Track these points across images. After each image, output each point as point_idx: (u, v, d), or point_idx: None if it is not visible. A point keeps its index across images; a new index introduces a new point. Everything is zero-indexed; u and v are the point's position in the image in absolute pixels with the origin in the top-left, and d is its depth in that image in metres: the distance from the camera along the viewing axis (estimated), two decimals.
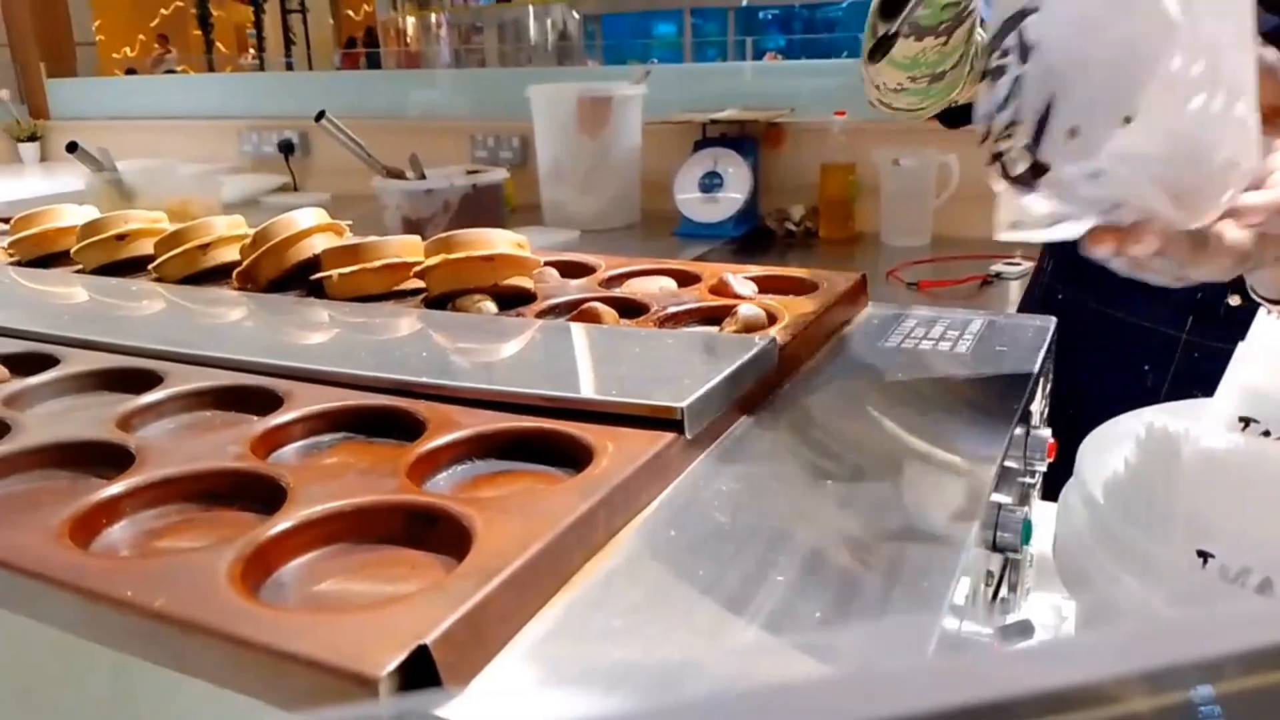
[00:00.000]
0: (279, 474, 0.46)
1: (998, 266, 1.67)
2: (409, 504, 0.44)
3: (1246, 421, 0.55)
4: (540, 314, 0.72)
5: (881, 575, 0.42)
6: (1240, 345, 0.58)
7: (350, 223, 0.86)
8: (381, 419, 0.54)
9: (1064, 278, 1.07)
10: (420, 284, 0.77)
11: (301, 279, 0.81)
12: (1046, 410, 0.72)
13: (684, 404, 0.51)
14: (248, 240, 0.81)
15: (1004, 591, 0.59)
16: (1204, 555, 0.52)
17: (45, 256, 0.93)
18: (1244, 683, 0.19)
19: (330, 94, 3.06)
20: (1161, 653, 0.19)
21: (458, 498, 0.46)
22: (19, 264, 0.93)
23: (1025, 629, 0.59)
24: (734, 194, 2.04)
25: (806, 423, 0.58)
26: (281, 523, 0.42)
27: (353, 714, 0.30)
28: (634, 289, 0.78)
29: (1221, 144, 0.41)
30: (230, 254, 0.84)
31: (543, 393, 0.54)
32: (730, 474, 0.51)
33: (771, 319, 0.67)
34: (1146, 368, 1.01)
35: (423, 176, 2.08)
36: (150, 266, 0.85)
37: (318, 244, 0.81)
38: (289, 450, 0.52)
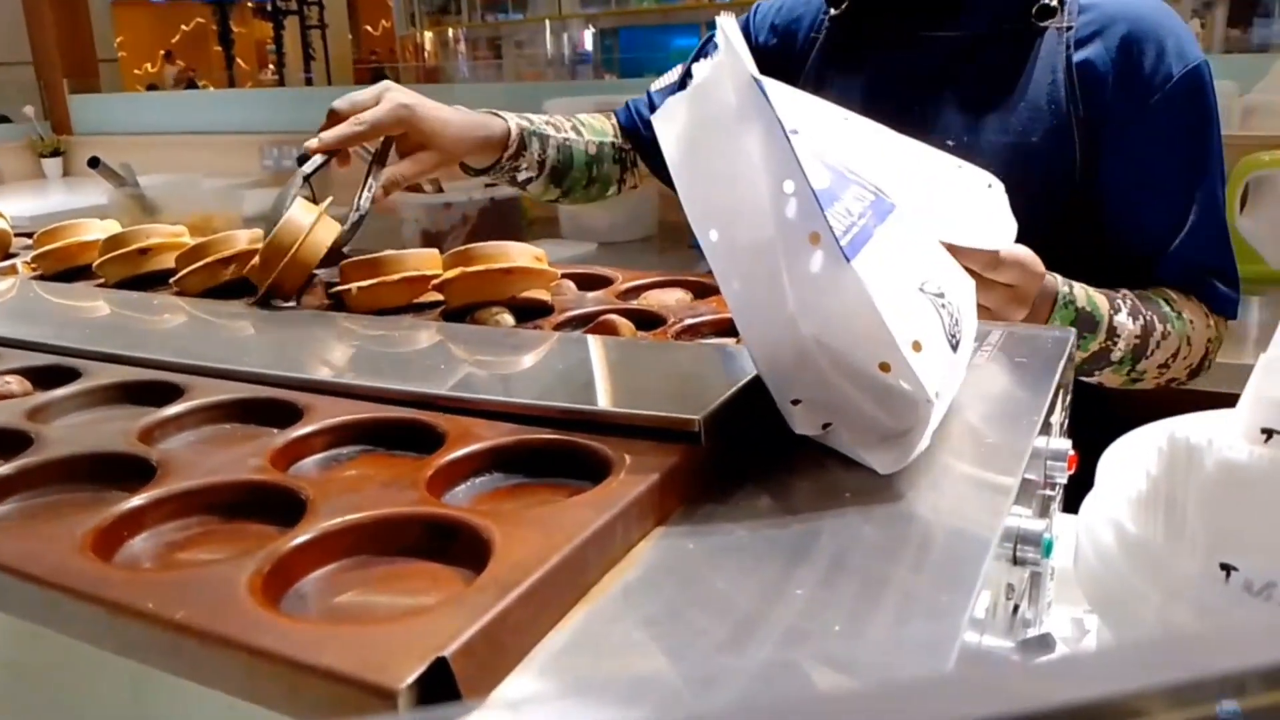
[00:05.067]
0: (299, 486, 0.46)
1: None
2: (428, 516, 0.44)
3: (1269, 433, 0.54)
4: (558, 326, 0.72)
5: (901, 588, 0.42)
6: (1261, 357, 0.57)
7: (330, 199, 0.88)
8: (401, 432, 0.54)
9: None
10: (439, 297, 0.78)
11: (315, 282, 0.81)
12: (1067, 422, 0.72)
13: (701, 416, 0.51)
14: (255, 261, 0.81)
15: (1025, 605, 0.59)
16: (1227, 568, 0.52)
17: (68, 270, 0.94)
18: (1269, 697, 0.19)
19: None
20: (1185, 667, 0.19)
21: (477, 510, 0.46)
22: (42, 278, 0.94)
23: (1046, 643, 0.58)
24: None
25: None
26: (301, 535, 0.42)
27: None
28: (651, 301, 0.79)
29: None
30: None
31: (561, 405, 0.54)
32: (748, 486, 0.51)
33: None
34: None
35: (441, 190, 2.09)
36: (172, 280, 0.86)
37: (323, 237, 0.81)
38: (309, 463, 0.52)
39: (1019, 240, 0.82)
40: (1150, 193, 1.00)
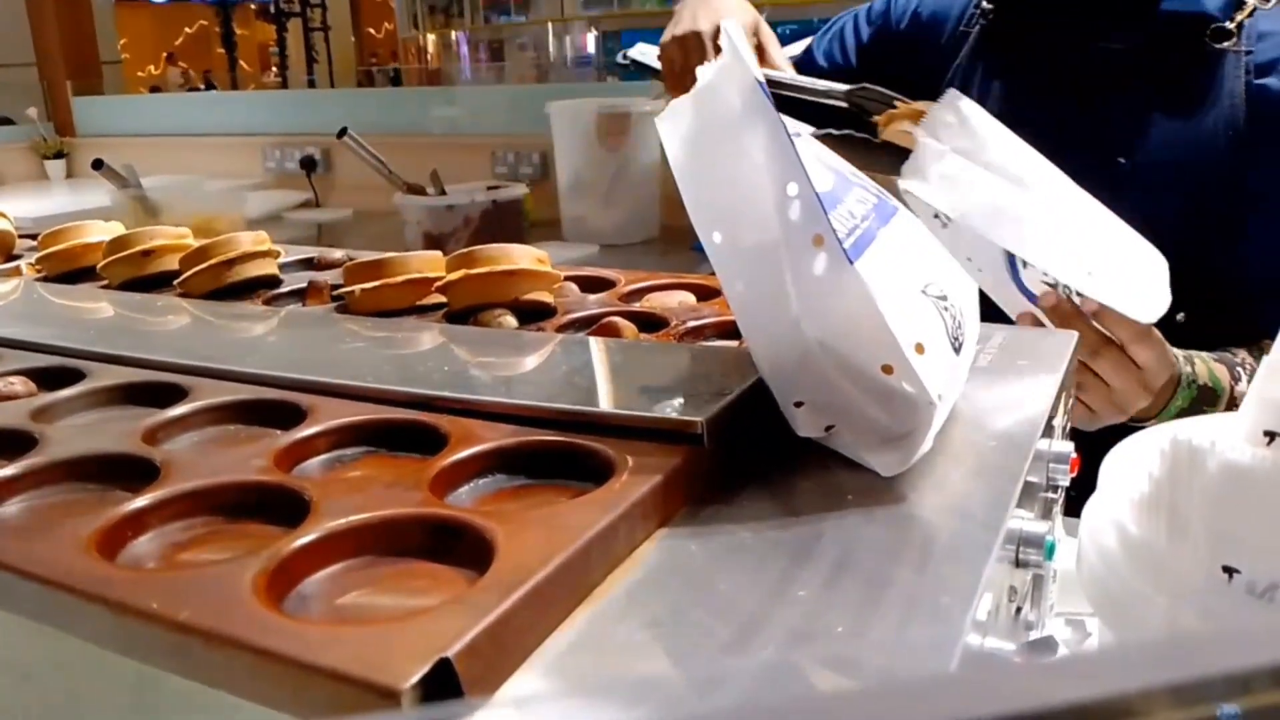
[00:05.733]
0: (303, 487, 0.46)
1: None
2: (431, 517, 0.44)
3: (1271, 435, 0.55)
4: (560, 328, 0.72)
5: (904, 590, 0.42)
6: (1265, 359, 0.58)
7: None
8: (404, 433, 0.54)
9: None
10: (442, 299, 0.78)
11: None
12: (1069, 424, 0.72)
13: (704, 418, 0.51)
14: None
15: (1027, 608, 0.59)
16: (1229, 570, 0.52)
17: (72, 272, 0.94)
18: (1270, 698, 0.19)
19: (352, 111, 3.08)
20: (1187, 666, 0.19)
21: (480, 511, 0.46)
22: (46, 279, 0.94)
23: (1049, 646, 0.58)
24: None
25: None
26: (305, 536, 0.42)
27: None
28: (653, 303, 0.79)
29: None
30: (255, 269, 0.85)
31: (563, 407, 0.54)
32: (751, 488, 0.51)
33: None
34: None
35: (443, 192, 2.09)
36: (176, 282, 0.86)
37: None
38: (312, 464, 0.53)
39: (1173, 261, 0.81)
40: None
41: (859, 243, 0.50)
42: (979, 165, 0.78)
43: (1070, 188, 0.80)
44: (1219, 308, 1.00)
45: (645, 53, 1.05)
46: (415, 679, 0.33)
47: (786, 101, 0.94)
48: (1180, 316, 0.95)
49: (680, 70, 0.98)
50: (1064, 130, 0.93)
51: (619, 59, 1.01)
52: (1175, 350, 0.89)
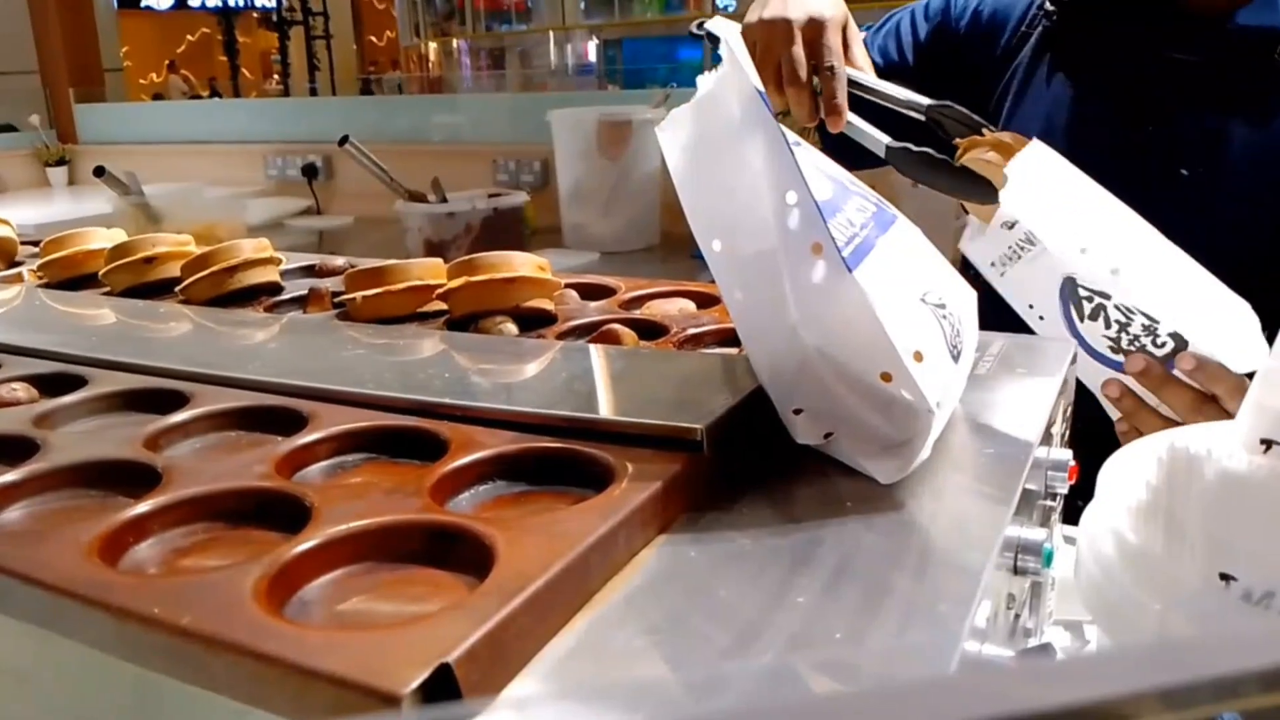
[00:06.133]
0: (303, 493, 0.47)
1: None
2: (432, 523, 0.44)
3: (1268, 443, 0.55)
4: (561, 335, 0.73)
5: (902, 597, 0.42)
6: (1261, 367, 0.58)
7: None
8: (405, 439, 0.54)
9: None
10: (443, 306, 0.78)
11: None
12: (1068, 432, 0.72)
13: (704, 425, 0.51)
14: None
15: (1025, 615, 0.59)
16: (1226, 578, 0.52)
17: (74, 279, 0.95)
18: (1268, 700, 0.19)
19: (353, 119, 3.09)
20: (1183, 670, 0.19)
21: (480, 517, 0.46)
22: (48, 286, 0.95)
23: (1047, 653, 0.58)
24: None
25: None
26: (306, 542, 0.42)
27: None
28: (653, 311, 0.79)
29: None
30: (256, 276, 0.85)
31: (563, 414, 0.54)
32: (751, 495, 0.51)
33: None
34: None
35: (444, 199, 2.10)
36: (177, 289, 0.86)
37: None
38: (313, 470, 0.53)
39: (1230, 269, 0.80)
40: None
41: (858, 251, 0.51)
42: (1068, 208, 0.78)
43: (1158, 237, 0.79)
44: None
45: (721, 27, 1.02)
46: (416, 684, 0.33)
47: (863, 104, 0.93)
48: None
49: (761, 54, 0.95)
50: (1126, 140, 0.91)
51: (693, 28, 0.97)
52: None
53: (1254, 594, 0.51)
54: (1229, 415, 0.79)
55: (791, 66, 0.91)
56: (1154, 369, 0.79)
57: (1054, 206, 0.79)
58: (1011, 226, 0.79)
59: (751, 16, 0.97)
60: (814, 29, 0.92)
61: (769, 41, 0.94)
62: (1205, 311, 0.77)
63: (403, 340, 0.73)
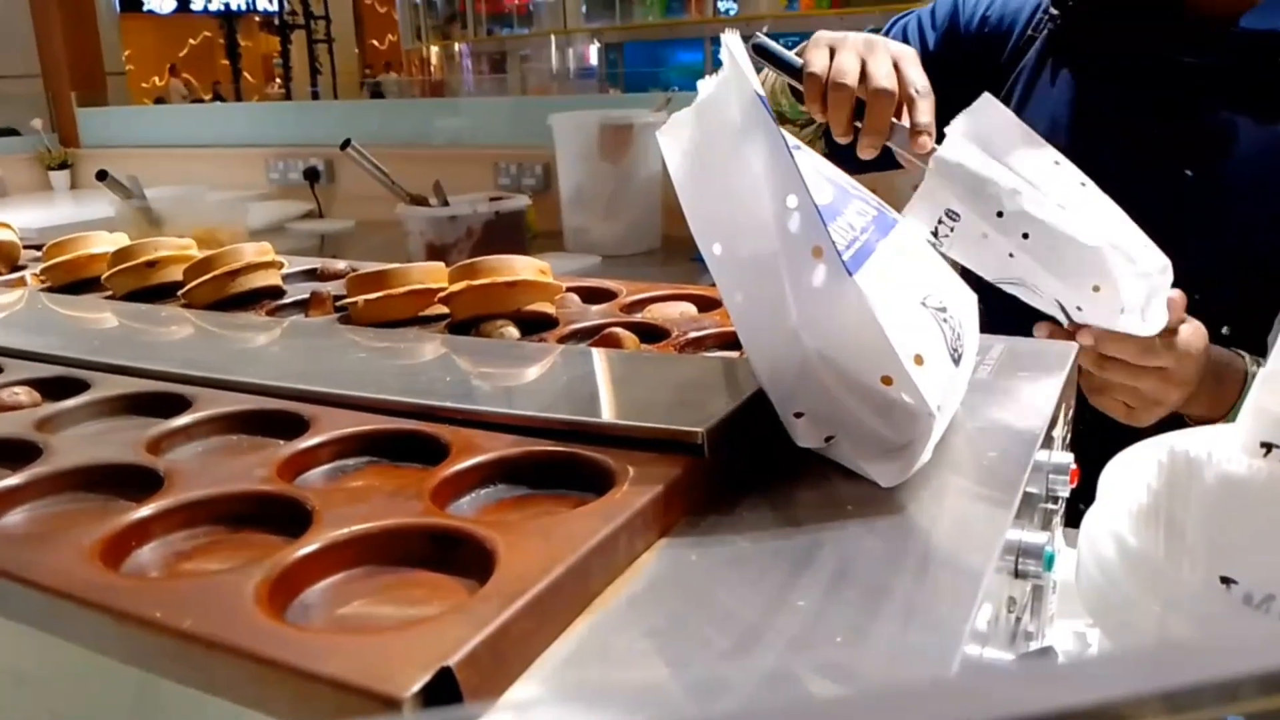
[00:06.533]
0: (305, 497, 0.47)
1: None
2: (433, 527, 0.44)
3: (1269, 447, 0.55)
4: (562, 339, 0.73)
5: (903, 601, 0.43)
6: (1261, 370, 0.58)
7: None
8: (406, 443, 0.54)
9: None
10: (444, 310, 0.78)
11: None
12: (1069, 435, 0.72)
13: (705, 428, 0.51)
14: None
15: (1027, 618, 0.59)
16: (1227, 581, 0.52)
17: (76, 283, 0.95)
18: (1267, 703, 0.19)
19: (355, 122, 3.10)
20: (1184, 673, 0.19)
21: (481, 521, 0.46)
22: (51, 290, 0.95)
23: (1048, 656, 0.58)
24: None
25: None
26: (307, 545, 0.42)
27: None
28: (655, 314, 0.79)
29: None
30: (258, 280, 0.86)
31: (565, 417, 0.54)
32: (751, 498, 0.51)
33: None
34: None
35: (446, 203, 2.10)
36: (179, 293, 0.86)
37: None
38: (315, 473, 0.53)
39: (1231, 271, 0.78)
40: None
41: (858, 255, 0.51)
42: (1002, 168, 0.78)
43: (1085, 196, 0.78)
44: None
45: (774, 49, 0.96)
46: (417, 688, 0.33)
47: None
48: (1225, 330, 0.95)
49: (824, 89, 0.91)
50: (1131, 140, 0.90)
51: (751, 46, 0.93)
52: (1245, 354, 0.88)
53: (1254, 597, 0.51)
54: (1153, 369, 0.80)
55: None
56: (1058, 336, 0.81)
57: (974, 175, 0.78)
58: (937, 201, 0.79)
59: (819, 60, 0.92)
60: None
61: (837, 86, 0.90)
62: (1102, 276, 0.76)
63: (404, 344, 0.73)
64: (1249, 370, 0.88)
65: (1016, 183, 0.76)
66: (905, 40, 1.19)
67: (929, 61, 1.18)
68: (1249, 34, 0.96)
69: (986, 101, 0.80)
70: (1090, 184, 0.79)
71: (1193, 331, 0.84)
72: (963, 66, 1.13)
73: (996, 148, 0.78)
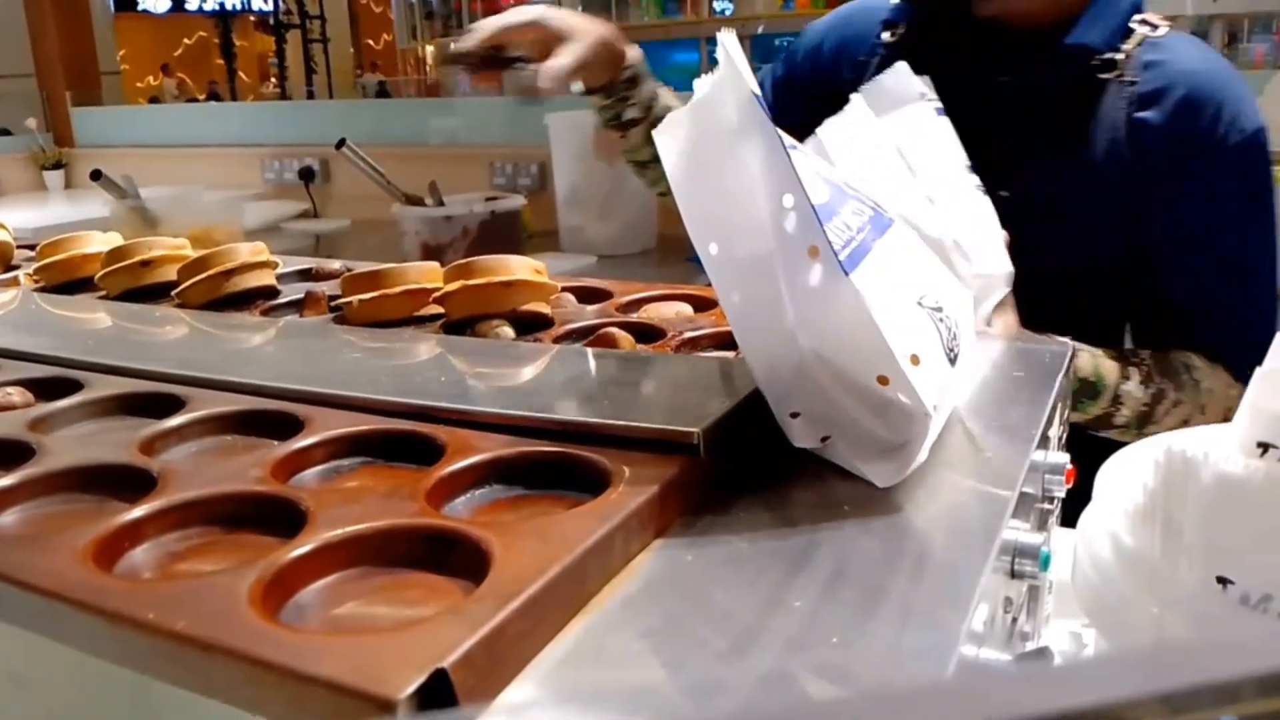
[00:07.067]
0: (299, 497, 0.47)
1: None
2: (428, 528, 0.44)
3: (1265, 447, 0.55)
4: (558, 339, 0.73)
5: (899, 601, 0.42)
6: (1258, 370, 0.58)
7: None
8: (401, 443, 0.54)
9: None
10: (439, 310, 0.78)
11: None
12: (1065, 435, 0.72)
13: (701, 428, 0.51)
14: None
15: (1023, 618, 0.59)
16: (1224, 581, 0.52)
17: (70, 282, 0.94)
18: (1265, 705, 0.19)
19: (350, 122, 3.09)
20: (1182, 674, 0.19)
21: (476, 521, 0.46)
22: (44, 290, 0.94)
23: (1044, 656, 0.58)
24: None
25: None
26: (302, 546, 0.42)
27: None
28: (650, 314, 0.79)
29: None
30: (253, 280, 0.85)
31: (560, 417, 0.54)
32: (747, 498, 0.51)
33: None
34: None
35: (441, 203, 2.10)
36: (173, 293, 0.86)
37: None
38: (309, 474, 0.53)
39: (1059, 288, 0.80)
40: (1193, 258, 0.99)
41: (854, 254, 0.51)
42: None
43: (957, 196, 0.79)
44: (1157, 322, 1.03)
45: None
46: (411, 689, 0.33)
47: None
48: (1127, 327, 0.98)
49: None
50: None
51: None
52: (1078, 344, 0.90)
53: (1251, 597, 0.51)
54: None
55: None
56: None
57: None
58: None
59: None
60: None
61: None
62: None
63: (399, 344, 0.72)
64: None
65: (899, 166, 0.77)
66: (774, 77, 1.23)
67: (790, 89, 1.22)
68: (1065, 49, 0.98)
69: (902, 68, 0.82)
70: (977, 190, 0.80)
71: (1007, 325, 0.85)
72: (805, 97, 1.15)
73: (900, 122, 0.80)
